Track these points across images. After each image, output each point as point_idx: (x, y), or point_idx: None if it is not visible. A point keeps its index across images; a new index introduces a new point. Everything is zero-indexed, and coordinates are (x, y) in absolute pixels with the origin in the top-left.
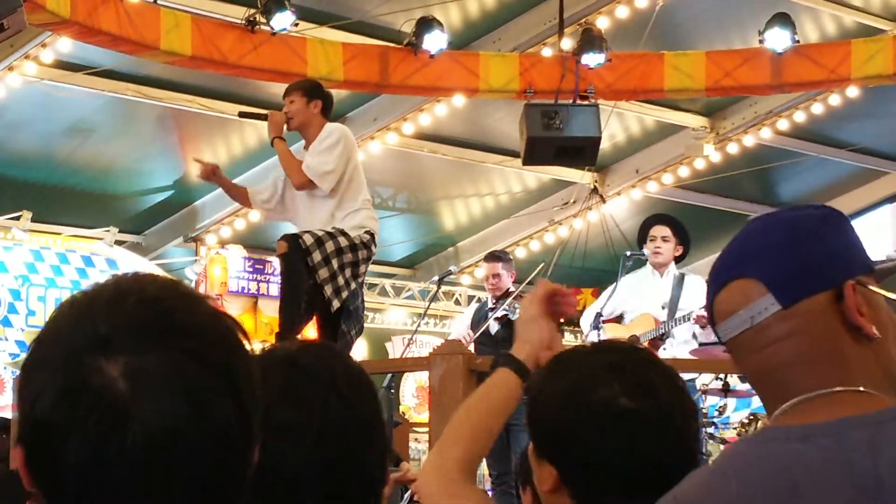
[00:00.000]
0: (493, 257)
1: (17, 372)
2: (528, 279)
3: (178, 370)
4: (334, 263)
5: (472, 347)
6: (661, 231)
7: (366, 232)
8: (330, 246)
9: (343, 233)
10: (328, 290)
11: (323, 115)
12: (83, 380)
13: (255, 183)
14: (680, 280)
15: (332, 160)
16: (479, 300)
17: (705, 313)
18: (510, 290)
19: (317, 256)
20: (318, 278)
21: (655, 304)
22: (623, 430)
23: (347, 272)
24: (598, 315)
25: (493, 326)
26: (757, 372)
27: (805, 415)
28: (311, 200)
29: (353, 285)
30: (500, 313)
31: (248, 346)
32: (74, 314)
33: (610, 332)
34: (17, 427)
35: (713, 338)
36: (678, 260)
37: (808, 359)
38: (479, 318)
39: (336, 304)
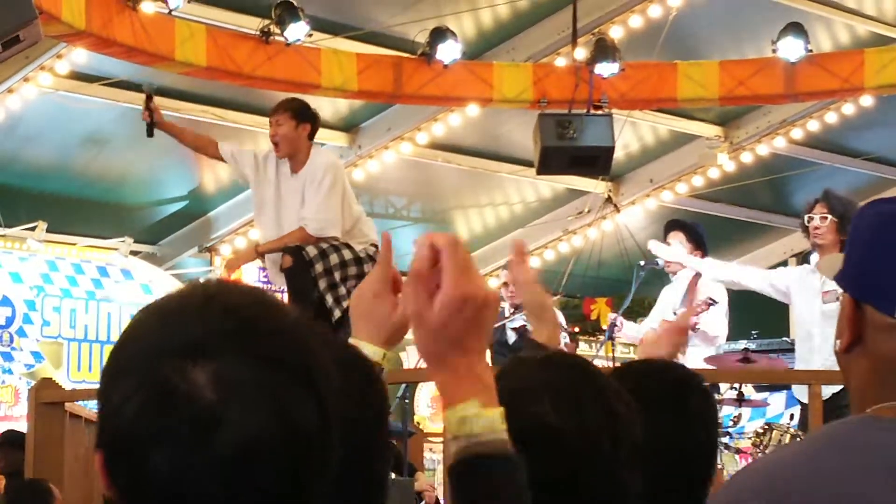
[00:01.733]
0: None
1: (32, 382)
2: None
3: (263, 377)
4: (337, 275)
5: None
6: (675, 237)
7: (371, 244)
8: (334, 258)
9: (348, 245)
10: (329, 298)
11: (310, 139)
12: (173, 387)
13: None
14: (695, 280)
15: (334, 204)
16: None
17: (695, 321)
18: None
19: (319, 267)
20: (319, 288)
21: (668, 308)
22: (545, 448)
23: (351, 283)
24: (613, 325)
25: (511, 336)
26: (886, 359)
27: None
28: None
29: None
30: (517, 323)
31: (328, 354)
32: (161, 320)
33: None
34: (97, 431)
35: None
36: None
37: None
38: (496, 326)
39: (337, 313)
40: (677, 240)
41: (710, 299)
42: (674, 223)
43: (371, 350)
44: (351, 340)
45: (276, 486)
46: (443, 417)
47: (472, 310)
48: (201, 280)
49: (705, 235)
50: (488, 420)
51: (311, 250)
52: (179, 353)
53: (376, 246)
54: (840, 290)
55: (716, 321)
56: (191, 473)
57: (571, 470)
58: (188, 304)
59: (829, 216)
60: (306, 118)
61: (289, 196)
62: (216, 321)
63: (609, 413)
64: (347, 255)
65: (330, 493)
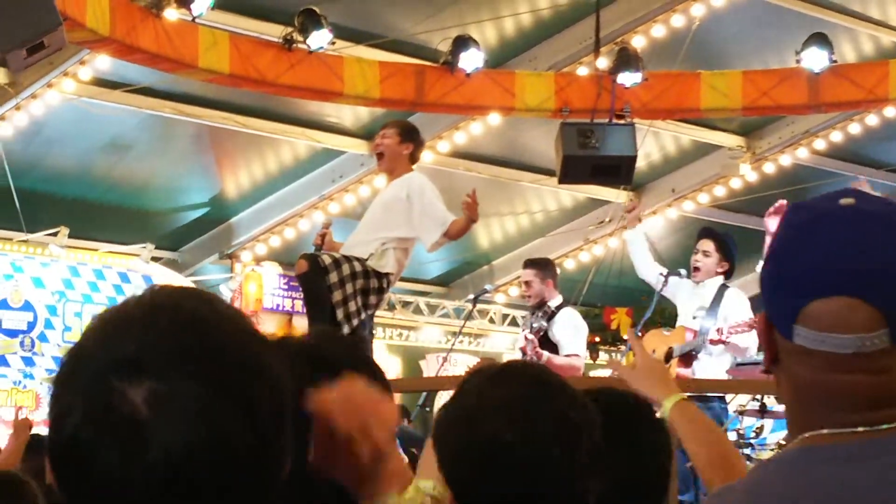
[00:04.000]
0: (525, 263)
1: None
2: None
3: (198, 396)
4: (348, 287)
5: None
6: (704, 245)
7: (387, 272)
8: (346, 269)
9: (359, 259)
10: (340, 313)
11: (410, 160)
12: (108, 404)
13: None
14: (721, 291)
15: (441, 209)
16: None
17: (718, 336)
18: (545, 299)
19: (333, 277)
20: (332, 299)
21: (689, 312)
22: (501, 464)
23: (359, 300)
24: (635, 335)
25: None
26: (803, 383)
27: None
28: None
29: (364, 315)
30: (535, 325)
31: (278, 366)
32: (106, 332)
33: (650, 340)
34: (48, 436)
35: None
36: (725, 277)
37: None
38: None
39: (346, 329)
40: (707, 247)
41: (755, 321)
42: (705, 231)
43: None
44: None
45: (211, 497)
46: None
47: None
48: (152, 287)
49: (735, 247)
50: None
51: (326, 258)
52: (120, 368)
53: (388, 276)
54: None
55: (749, 336)
56: (126, 484)
57: (527, 483)
58: (137, 315)
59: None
60: (410, 138)
61: (375, 202)
62: (162, 335)
63: (561, 420)
64: (357, 267)
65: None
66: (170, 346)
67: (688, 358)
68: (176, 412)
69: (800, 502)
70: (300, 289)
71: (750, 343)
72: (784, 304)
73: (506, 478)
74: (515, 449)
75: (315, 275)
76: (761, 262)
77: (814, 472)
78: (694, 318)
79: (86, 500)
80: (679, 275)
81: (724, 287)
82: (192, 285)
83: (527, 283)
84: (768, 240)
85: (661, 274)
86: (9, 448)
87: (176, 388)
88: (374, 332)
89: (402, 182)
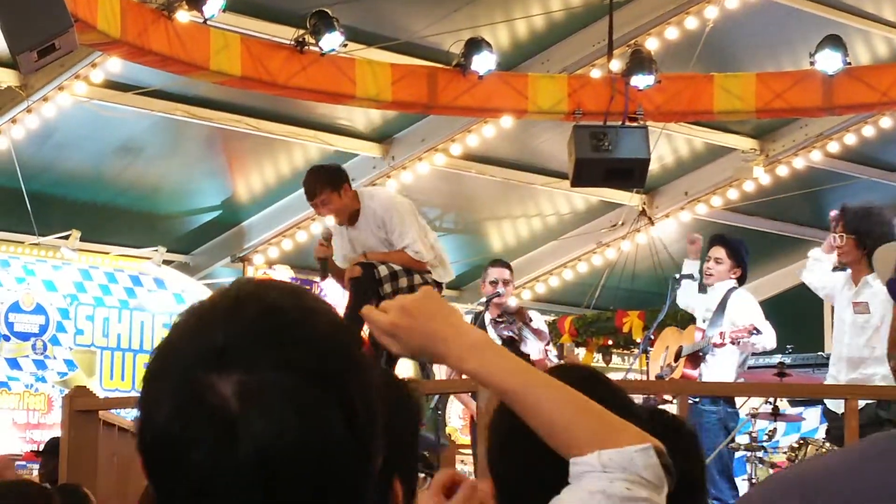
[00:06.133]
0: (503, 263)
1: (66, 390)
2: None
3: (289, 388)
4: None
5: None
6: (716, 252)
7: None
8: (404, 282)
9: (418, 271)
10: None
11: (350, 189)
12: (197, 397)
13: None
14: (727, 295)
15: (414, 234)
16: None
17: (720, 340)
18: (509, 304)
19: (387, 288)
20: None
21: (699, 315)
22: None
23: None
24: (648, 339)
25: (496, 340)
26: None
27: None
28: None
29: None
30: (505, 333)
31: (365, 359)
32: (193, 324)
33: (665, 337)
34: (137, 432)
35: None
36: (739, 282)
37: None
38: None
39: None
40: (719, 254)
41: (754, 328)
42: (717, 238)
43: None
44: None
45: (297, 495)
46: None
47: None
48: (238, 279)
49: (747, 253)
50: None
51: (383, 269)
52: (208, 360)
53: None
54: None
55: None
56: (219, 478)
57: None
58: (223, 305)
59: (845, 234)
60: (341, 180)
61: (361, 247)
62: (249, 325)
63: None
64: (417, 279)
65: None
66: (255, 335)
67: (695, 359)
68: (267, 403)
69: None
70: (349, 292)
71: (755, 342)
72: None
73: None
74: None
75: (368, 283)
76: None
77: None
78: (704, 321)
79: (178, 495)
80: (691, 278)
81: (731, 291)
82: (205, 289)
83: (507, 283)
84: None
85: (673, 277)
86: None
87: (265, 379)
88: None
89: (371, 214)
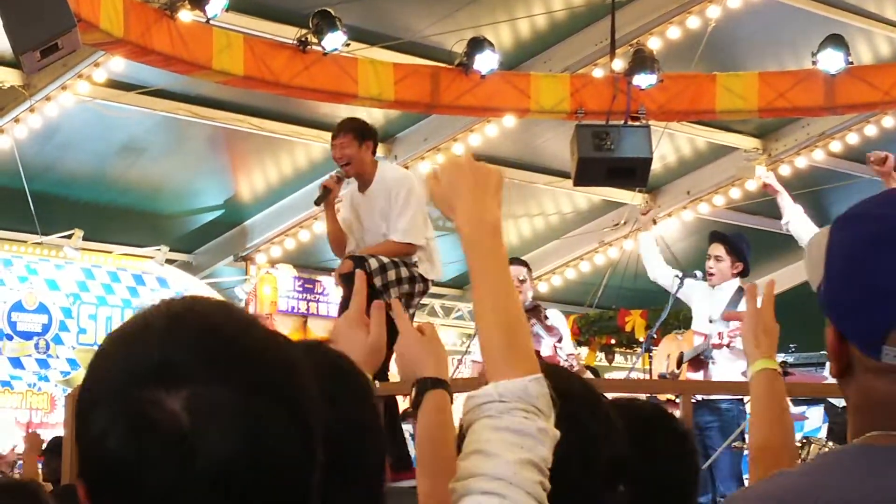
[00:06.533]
0: (519, 261)
1: (69, 390)
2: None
3: (239, 400)
4: (392, 293)
5: None
6: (715, 250)
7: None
8: (392, 274)
9: (405, 263)
10: None
11: (373, 154)
12: (147, 417)
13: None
14: (738, 294)
15: (414, 214)
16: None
17: (720, 341)
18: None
19: (378, 282)
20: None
21: (703, 317)
22: None
23: (402, 302)
24: (650, 338)
25: None
26: (878, 399)
27: None
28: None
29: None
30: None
31: (305, 367)
32: (128, 344)
33: (665, 346)
34: (79, 462)
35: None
36: (741, 276)
37: None
38: None
39: None
40: (718, 252)
41: None
42: (715, 235)
43: None
44: None
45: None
46: None
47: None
48: (167, 298)
49: (748, 249)
50: None
51: (373, 263)
52: (150, 377)
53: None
54: None
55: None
56: (176, 495)
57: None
58: (158, 324)
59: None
60: (368, 135)
61: (366, 217)
62: (187, 342)
63: (581, 435)
64: (404, 272)
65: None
66: (197, 351)
67: (697, 363)
68: (218, 417)
69: (856, 499)
70: (342, 287)
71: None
72: (869, 324)
73: None
74: None
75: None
76: (819, 274)
77: (874, 470)
78: (711, 321)
79: None
80: (695, 276)
81: (741, 290)
82: (208, 288)
83: (520, 281)
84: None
85: (677, 276)
86: (25, 461)
87: (214, 393)
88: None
89: (383, 184)
